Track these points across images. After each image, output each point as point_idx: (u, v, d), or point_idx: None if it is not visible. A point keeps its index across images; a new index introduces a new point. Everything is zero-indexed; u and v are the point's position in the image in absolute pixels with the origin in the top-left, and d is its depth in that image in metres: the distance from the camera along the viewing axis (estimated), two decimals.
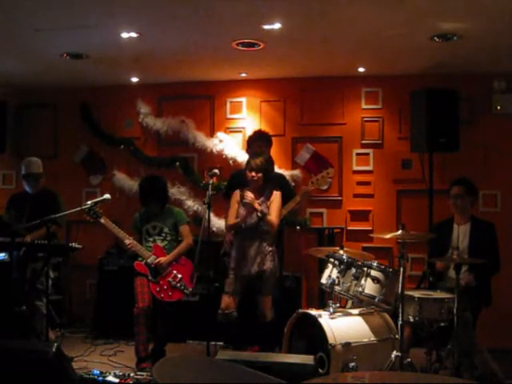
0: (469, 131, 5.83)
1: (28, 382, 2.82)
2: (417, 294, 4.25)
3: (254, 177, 4.79)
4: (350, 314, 4.46)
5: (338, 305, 4.53)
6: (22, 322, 5.11)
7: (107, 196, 4.83)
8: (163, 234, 5.04)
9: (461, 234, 4.74)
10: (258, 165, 4.79)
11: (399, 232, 4.19)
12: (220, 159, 6.44)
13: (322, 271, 4.72)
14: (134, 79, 6.60)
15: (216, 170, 4.90)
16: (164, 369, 2.52)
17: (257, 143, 5.40)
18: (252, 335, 5.04)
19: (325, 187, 6.18)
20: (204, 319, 4.87)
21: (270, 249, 4.80)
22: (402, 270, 4.11)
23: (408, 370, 3.98)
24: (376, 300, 4.33)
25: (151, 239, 5.03)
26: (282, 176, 5.71)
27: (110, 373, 4.41)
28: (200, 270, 5.09)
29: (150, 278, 4.88)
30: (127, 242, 4.89)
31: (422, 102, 5.48)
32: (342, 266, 4.49)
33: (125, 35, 4.96)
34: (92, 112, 6.88)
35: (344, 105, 6.37)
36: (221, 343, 5.31)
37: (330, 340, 4.08)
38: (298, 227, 6.14)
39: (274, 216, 4.77)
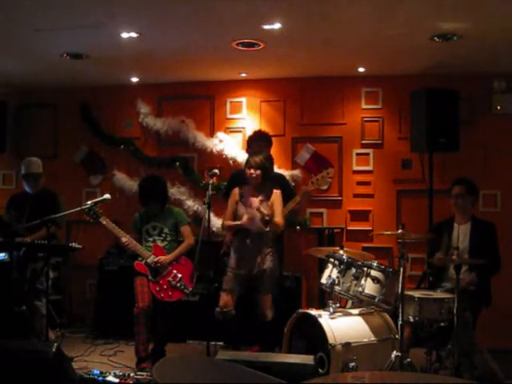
0: (469, 131, 5.83)
1: (28, 382, 2.82)
2: (417, 293, 4.25)
3: (252, 174, 4.80)
4: (350, 314, 4.46)
5: (338, 305, 4.53)
6: (22, 322, 5.11)
7: (107, 196, 4.83)
8: (163, 235, 5.04)
9: (461, 233, 4.74)
10: (256, 162, 4.80)
11: (399, 231, 4.19)
12: (220, 159, 6.44)
13: (322, 271, 4.72)
14: (134, 79, 6.60)
15: (216, 170, 4.90)
16: (164, 369, 2.52)
17: (257, 143, 5.41)
18: (252, 334, 5.05)
19: (325, 187, 6.18)
20: (204, 319, 4.87)
21: (270, 248, 4.80)
22: (401, 270, 4.11)
23: (408, 369, 3.98)
24: (376, 300, 4.33)
25: (151, 239, 5.03)
26: (281, 176, 5.71)
27: (110, 373, 4.40)
28: (200, 270, 5.10)
29: (149, 277, 4.88)
30: (123, 239, 4.89)
31: (421, 102, 5.49)
32: (341, 266, 4.49)
33: (125, 35, 4.96)
34: (92, 112, 6.88)
35: (344, 105, 6.37)
36: (221, 343, 5.31)
37: (330, 340, 4.08)
38: (297, 227, 6.14)
39: (279, 217, 4.80)
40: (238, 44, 5.21)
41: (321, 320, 4.21)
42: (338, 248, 4.74)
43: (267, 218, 4.72)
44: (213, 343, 4.89)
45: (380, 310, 4.50)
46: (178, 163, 6.59)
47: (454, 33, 4.81)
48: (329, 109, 6.40)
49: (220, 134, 6.55)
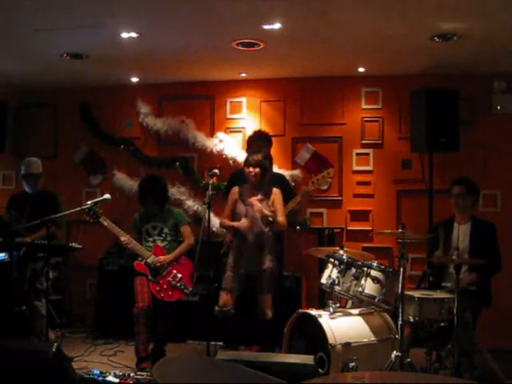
0: (469, 131, 5.83)
1: (28, 382, 2.82)
2: (417, 293, 4.25)
3: (251, 172, 4.82)
4: (350, 314, 4.46)
5: (338, 305, 4.53)
6: (22, 322, 5.11)
7: (107, 196, 4.83)
8: (163, 235, 5.04)
9: (461, 233, 4.74)
10: (255, 160, 4.83)
11: (399, 231, 4.19)
12: (220, 159, 6.44)
13: (322, 271, 4.72)
14: (134, 79, 6.60)
15: (216, 170, 4.90)
16: (164, 369, 2.52)
17: (257, 143, 5.41)
18: (252, 334, 5.06)
19: (325, 187, 6.18)
20: (204, 319, 4.87)
21: (269, 248, 4.81)
22: (402, 270, 4.11)
23: (408, 369, 3.98)
24: (376, 300, 4.33)
25: (151, 239, 5.03)
26: (282, 176, 5.72)
27: (110, 373, 4.40)
28: (200, 270, 5.09)
29: (149, 277, 4.88)
30: (123, 238, 4.89)
31: (422, 101, 5.49)
32: (342, 266, 4.49)
33: (125, 35, 4.96)
34: (92, 112, 6.88)
35: (344, 105, 6.37)
36: (220, 343, 5.31)
37: (330, 340, 4.08)
38: (297, 227, 6.14)
39: (282, 217, 4.83)
40: (238, 44, 5.21)
41: (321, 320, 4.20)
42: (338, 248, 4.75)
43: (270, 218, 4.74)
44: (213, 343, 4.89)
45: (380, 310, 4.50)
46: (177, 163, 6.59)
47: (454, 33, 4.81)
48: (329, 109, 6.40)
49: (220, 134, 6.55)
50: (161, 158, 6.69)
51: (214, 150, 6.48)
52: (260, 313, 4.80)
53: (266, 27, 4.76)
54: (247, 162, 4.88)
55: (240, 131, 6.58)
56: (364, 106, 6.34)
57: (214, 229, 6.09)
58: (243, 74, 6.38)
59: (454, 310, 3.96)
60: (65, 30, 4.83)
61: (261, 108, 6.56)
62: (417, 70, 5.89)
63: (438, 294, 4.26)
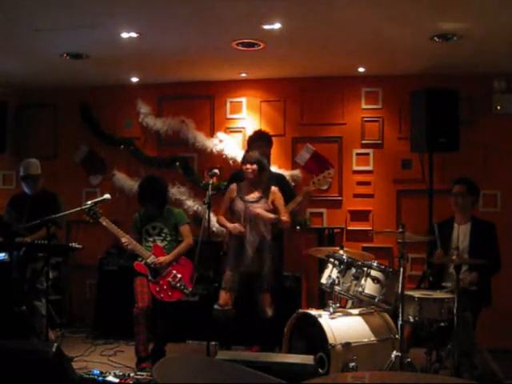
0: (469, 131, 5.83)
1: (28, 382, 2.82)
2: (417, 293, 4.25)
3: (248, 169, 4.85)
4: (350, 314, 4.46)
5: (338, 305, 4.53)
6: (22, 322, 5.11)
7: (107, 196, 4.83)
8: (163, 235, 5.04)
9: (461, 233, 4.75)
10: (252, 157, 4.88)
11: (400, 230, 4.19)
12: (220, 159, 6.44)
13: (322, 271, 4.72)
14: (134, 79, 6.60)
15: (216, 170, 4.90)
16: (164, 369, 2.52)
17: (257, 143, 5.41)
18: (252, 333, 5.06)
19: (325, 187, 6.18)
20: (204, 319, 4.87)
21: (269, 246, 4.82)
22: (402, 269, 4.11)
23: (408, 369, 3.98)
24: (376, 300, 4.33)
25: (151, 239, 5.03)
26: (282, 176, 5.72)
27: (110, 373, 4.40)
28: (200, 270, 5.10)
29: (149, 278, 4.88)
30: (123, 239, 4.89)
31: (422, 102, 5.49)
32: (342, 266, 4.49)
33: (125, 35, 4.96)
34: (92, 112, 6.88)
35: (344, 105, 6.37)
36: (213, 343, 5.30)
37: (330, 340, 4.08)
38: (297, 227, 6.14)
39: (285, 216, 4.88)
40: (238, 44, 5.21)
41: (321, 320, 4.20)
42: (338, 248, 4.75)
43: (275, 220, 4.80)
44: (213, 343, 4.90)
45: (380, 310, 4.50)
46: (177, 163, 6.59)
47: (454, 33, 4.81)
48: (329, 109, 6.40)
49: (220, 134, 6.55)
50: (161, 158, 6.69)
51: (214, 150, 6.48)
52: (260, 311, 4.81)
53: (266, 27, 4.76)
54: (244, 159, 4.93)
55: (240, 131, 6.58)
56: (364, 106, 6.34)
57: (214, 229, 6.09)
58: (243, 74, 6.38)
59: (454, 310, 3.96)
60: (65, 29, 4.83)
61: (261, 108, 6.56)
62: (417, 69, 5.89)
63: (437, 294, 4.26)
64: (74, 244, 5.16)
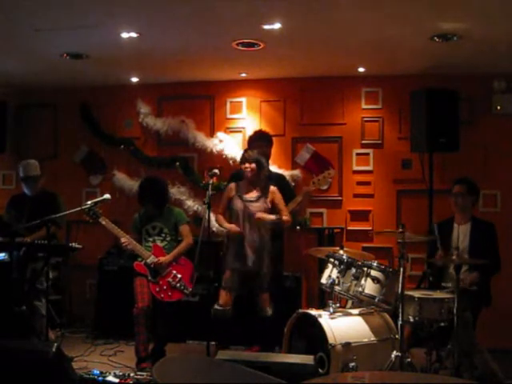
0: (469, 131, 5.83)
1: (28, 382, 2.82)
2: (417, 294, 4.25)
3: (247, 168, 4.86)
4: (350, 314, 4.46)
5: (338, 305, 4.53)
6: (22, 322, 5.11)
7: (107, 196, 4.83)
8: (163, 235, 5.04)
9: (461, 233, 4.75)
10: (250, 156, 4.88)
11: (400, 230, 4.19)
12: (220, 159, 6.44)
13: (322, 271, 4.72)
14: (134, 79, 6.60)
15: (216, 170, 4.90)
16: (164, 369, 2.52)
17: (257, 143, 5.42)
18: (252, 334, 5.06)
19: (325, 187, 6.18)
20: (204, 319, 4.87)
21: (267, 245, 4.83)
22: (402, 270, 4.11)
23: (408, 370, 3.98)
24: (376, 300, 4.33)
25: (151, 239, 5.03)
26: (282, 176, 5.72)
27: (110, 373, 4.40)
28: (200, 270, 5.10)
29: (149, 278, 4.88)
30: (123, 239, 4.89)
31: (422, 102, 5.49)
32: (342, 266, 4.49)
33: (125, 35, 4.96)
34: (92, 112, 6.88)
35: (344, 105, 6.37)
36: (213, 343, 5.31)
37: (330, 340, 4.08)
38: (298, 227, 6.14)
39: (286, 215, 4.91)
40: (238, 44, 5.21)
41: (321, 320, 4.21)
42: (338, 248, 4.75)
43: (277, 221, 4.82)
44: (213, 343, 4.90)
45: (380, 310, 4.50)
46: (177, 163, 6.59)
47: (454, 33, 4.81)
48: (329, 109, 6.40)
49: (220, 134, 6.55)
50: (161, 158, 6.69)
51: (214, 150, 6.48)
52: (259, 311, 4.84)
53: (266, 27, 4.76)
54: (243, 158, 4.95)
55: (240, 131, 6.58)
56: (364, 106, 6.34)
57: (214, 229, 6.09)
58: (243, 74, 6.38)
59: (454, 310, 3.96)
60: (65, 29, 4.83)
61: (261, 108, 6.56)
62: (417, 69, 5.89)
63: (438, 294, 4.26)
64: (74, 244, 5.16)
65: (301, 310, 4.53)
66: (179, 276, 4.93)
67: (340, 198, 6.35)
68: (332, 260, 4.58)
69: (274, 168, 5.97)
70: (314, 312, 4.37)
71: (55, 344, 2.94)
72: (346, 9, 4.38)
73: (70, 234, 6.45)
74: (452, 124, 5.47)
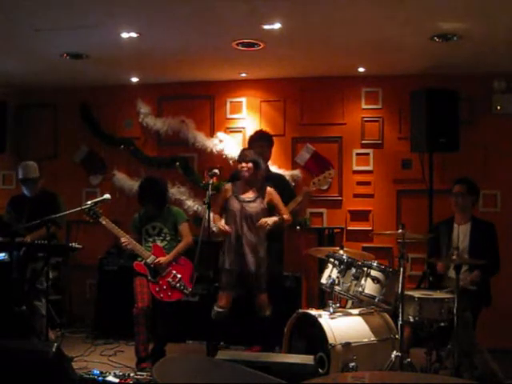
0: (469, 131, 5.83)
1: (28, 382, 2.82)
2: (417, 293, 4.25)
3: (244, 167, 4.86)
4: (350, 314, 4.46)
5: (338, 305, 4.53)
6: (22, 322, 5.11)
7: (107, 196, 4.83)
8: (163, 234, 5.04)
9: (461, 233, 4.75)
10: (247, 155, 4.90)
11: (399, 231, 4.19)
12: (220, 159, 6.44)
13: (322, 271, 4.72)
14: (134, 79, 6.60)
15: (216, 170, 4.90)
16: (164, 369, 2.52)
17: (258, 143, 5.42)
18: (252, 334, 5.06)
19: (325, 187, 6.18)
20: (204, 319, 4.87)
21: (265, 246, 4.85)
22: (402, 270, 4.11)
23: (408, 370, 3.98)
24: (376, 300, 4.33)
25: (151, 239, 5.03)
26: (282, 176, 5.72)
27: (110, 373, 4.40)
28: (200, 270, 5.09)
29: (149, 278, 4.88)
30: (123, 239, 4.89)
31: (422, 102, 5.49)
32: (342, 266, 4.49)
33: (125, 35, 4.96)
34: (92, 112, 6.88)
35: (344, 105, 6.37)
36: (222, 343, 5.32)
37: (330, 340, 4.08)
38: (298, 227, 6.13)
39: (286, 214, 4.92)
40: (238, 44, 5.21)
41: (321, 320, 4.20)
42: (338, 248, 4.75)
43: (280, 221, 4.83)
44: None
45: (380, 310, 4.50)
46: (177, 163, 6.59)
47: (454, 33, 4.81)
48: (329, 109, 6.40)
49: (220, 134, 6.55)
50: (161, 158, 6.69)
51: (214, 150, 6.48)
52: (258, 310, 4.84)
53: (266, 27, 4.76)
54: (240, 158, 4.95)
55: (240, 131, 6.58)
56: (364, 106, 6.34)
57: (214, 229, 6.07)
58: (243, 74, 6.38)
59: (454, 310, 3.96)
60: (65, 29, 4.83)
61: (261, 108, 6.55)
62: (417, 69, 5.89)
63: (438, 294, 4.26)
64: (74, 244, 5.16)
65: (301, 310, 4.53)
66: (179, 276, 4.93)
67: (340, 198, 6.35)
68: (332, 260, 4.58)
69: (274, 168, 5.98)
70: (314, 312, 4.37)
71: (55, 344, 2.94)
72: (346, 9, 4.38)
73: (70, 234, 6.45)
74: (452, 124, 5.47)
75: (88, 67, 5.93)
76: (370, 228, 6.17)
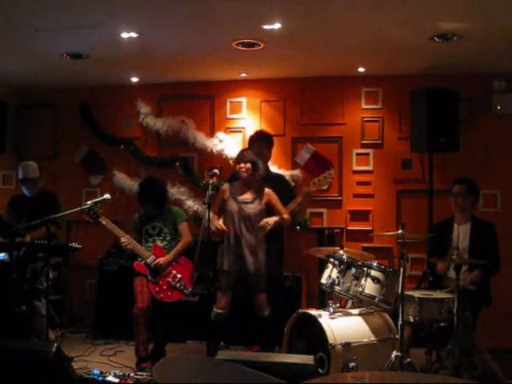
0: (469, 131, 5.83)
1: (28, 382, 2.82)
2: (417, 294, 4.25)
3: (242, 168, 4.86)
4: (350, 314, 4.46)
5: (338, 305, 4.53)
6: (22, 322, 5.11)
7: (107, 196, 4.83)
8: (163, 234, 5.04)
9: (461, 233, 4.75)
10: (246, 156, 4.90)
11: (399, 231, 4.19)
12: (220, 159, 6.45)
13: (322, 271, 4.72)
14: (134, 79, 6.60)
15: (216, 170, 4.90)
16: (164, 369, 2.52)
17: (256, 144, 5.42)
18: (251, 333, 5.06)
19: (325, 187, 6.18)
20: (204, 319, 4.87)
21: (264, 247, 4.85)
22: (402, 270, 4.11)
23: (408, 370, 3.98)
24: (376, 300, 4.33)
25: (151, 239, 5.03)
26: (282, 177, 5.72)
27: (110, 373, 4.41)
28: (200, 270, 5.09)
29: (149, 278, 4.88)
30: (123, 239, 4.89)
31: (422, 102, 5.49)
32: (342, 266, 4.49)
33: (125, 35, 4.96)
34: (92, 112, 6.88)
35: (344, 105, 6.37)
36: (221, 343, 5.32)
37: (330, 340, 4.08)
38: (297, 227, 6.13)
39: (286, 214, 4.92)
40: (238, 44, 5.21)
41: (321, 320, 4.20)
42: (338, 248, 4.74)
43: (280, 221, 4.83)
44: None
45: (380, 310, 4.50)
46: (177, 163, 6.59)
47: (454, 33, 4.81)
48: (329, 109, 6.40)
49: (220, 134, 6.55)
50: (161, 158, 6.69)
51: (214, 150, 6.48)
52: (257, 310, 4.84)
53: (266, 27, 4.76)
54: (238, 158, 4.95)
55: (240, 131, 6.58)
56: (364, 106, 6.34)
57: (214, 229, 6.09)
58: (243, 74, 6.38)
59: (454, 310, 3.96)
60: (65, 29, 4.83)
61: (261, 108, 6.56)
62: (417, 69, 5.89)
63: (438, 294, 4.26)
64: (74, 244, 5.16)
65: (301, 310, 4.52)
66: (179, 276, 4.93)
67: (340, 198, 6.35)
68: (332, 260, 4.58)
69: (274, 168, 5.98)
70: (314, 312, 4.37)
71: (55, 344, 2.94)
72: (346, 9, 4.38)
73: (70, 234, 6.45)
74: (452, 124, 5.47)
75: (88, 67, 5.93)
76: (370, 228, 6.17)
